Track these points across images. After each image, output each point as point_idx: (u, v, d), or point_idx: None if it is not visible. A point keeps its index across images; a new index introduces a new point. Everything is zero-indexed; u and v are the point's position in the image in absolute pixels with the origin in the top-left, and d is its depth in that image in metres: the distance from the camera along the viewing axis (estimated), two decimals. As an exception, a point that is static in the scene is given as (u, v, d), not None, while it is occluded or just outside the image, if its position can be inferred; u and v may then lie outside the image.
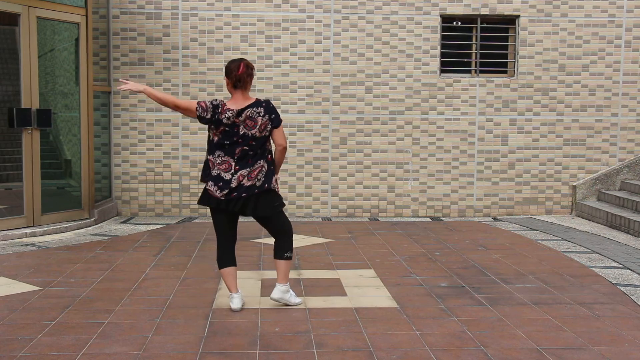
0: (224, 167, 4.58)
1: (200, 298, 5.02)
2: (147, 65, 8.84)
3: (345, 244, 7.17)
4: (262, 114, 4.56)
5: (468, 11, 9.09)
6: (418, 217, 9.18)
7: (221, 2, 8.88)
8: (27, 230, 7.41)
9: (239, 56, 8.82)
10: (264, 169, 4.61)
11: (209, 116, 4.57)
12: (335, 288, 5.35)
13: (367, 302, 4.96)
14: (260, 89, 8.86)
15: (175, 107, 4.67)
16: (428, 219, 9.00)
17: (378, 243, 7.21)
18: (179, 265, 6.09)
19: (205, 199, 4.68)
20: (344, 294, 5.18)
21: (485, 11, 9.10)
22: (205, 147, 9.27)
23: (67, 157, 8.56)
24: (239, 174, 4.56)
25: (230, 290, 4.78)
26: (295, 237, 7.40)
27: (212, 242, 7.17)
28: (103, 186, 8.84)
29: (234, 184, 4.55)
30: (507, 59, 9.31)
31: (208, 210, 8.92)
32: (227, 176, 4.57)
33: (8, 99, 7.71)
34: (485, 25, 9.26)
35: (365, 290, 5.31)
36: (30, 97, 7.48)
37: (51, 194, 8.13)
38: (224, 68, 8.83)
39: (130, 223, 8.42)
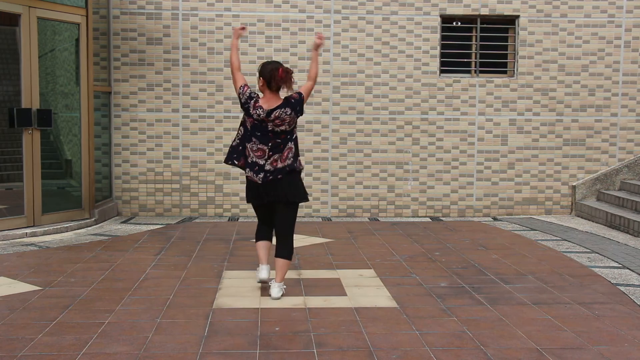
0: (258, 154, 4.99)
1: (200, 298, 5.03)
2: (147, 65, 8.85)
3: (345, 244, 7.18)
4: (288, 113, 4.99)
5: (468, 11, 9.10)
6: (418, 217, 9.19)
7: (221, 3, 8.89)
8: (28, 230, 7.42)
9: (239, 56, 8.85)
10: (292, 150, 5.06)
11: (243, 100, 5.05)
12: (335, 288, 5.36)
13: (367, 302, 4.96)
14: (261, 89, 8.87)
15: (232, 68, 5.25)
16: (428, 219, 9.00)
17: (378, 243, 7.22)
18: (179, 265, 6.10)
19: (249, 195, 5.13)
20: (344, 294, 5.19)
21: (485, 11, 9.11)
22: (205, 148, 9.20)
23: (67, 157, 8.56)
24: (272, 158, 4.99)
25: (260, 262, 5.23)
26: (295, 237, 7.41)
27: (212, 242, 7.19)
28: (103, 186, 8.85)
29: (267, 167, 4.97)
30: (506, 59, 9.32)
31: (208, 210, 9.00)
32: (262, 162, 4.99)
33: (9, 99, 7.72)
34: (485, 26, 9.27)
35: (365, 290, 5.32)
36: (30, 97, 7.49)
37: (52, 194, 8.14)
38: (224, 68, 8.93)
39: (130, 223, 8.43)
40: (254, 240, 5.37)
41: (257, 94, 5.08)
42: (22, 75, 7.43)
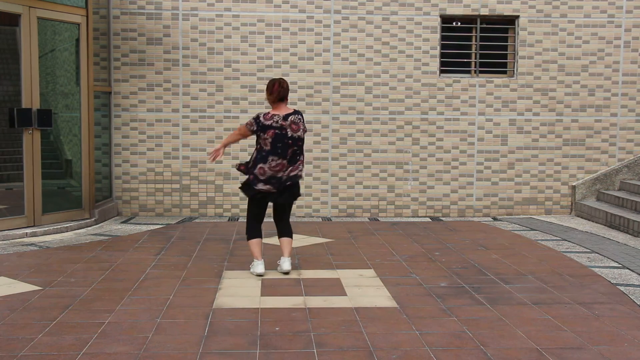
0: (278, 168, 5.58)
1: (200, 298, 5.04)
2: (147, 65, 8.85)
3: (345, 244, 7.18)
4: (301, 119, 5.68)
5: (468, 11, 9.10)
6: (418, 217, 9.19)
7: (221, 3, 8.89)
8: (28, 230, 7.42)
9: (239, 56, 8.88)
10: (302, 162, 5.76)
11: (254, 128, 5.59)
12: (335, 288, 5.37)
13: (367, 302, 4.97)
14: (261, 89, 8.87)
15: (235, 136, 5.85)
16: (428, 219, 9.01)
17: (378, 243, 7.22)
18: (179, 265, 6.10)
19: (250, 191, 5.68)
20: (344, 294, 5.19)
21: (485, 11, 9.12)
22: (205, 148, 9.26)
23: (67, 157, 8.57)
24: (288, 169, 5.63)
25: (255, 257, 5.70)
26: (295, 237, 7.44)
27: (212, 241, 7.19)
28: (103, 186, 8.86)
29: (284, 178, 5.61)
30: (506, 59, 9.32)
31: (208, 210, 8.99)
32: (280, 174, 5.59)
33: (9, 99, 7.72)
34: (485, 26, 9.27)
35: (365, 290, 5.32)
36: (31, 97, 7.49)
37: (52, 194, 8.14)
38: (223, 68, 8.94)
39: (130, 223, 8.43)
40: (247, 238, 5.79)
41: (264, 112, 5.65)
42: (22, 76, 7.43)
